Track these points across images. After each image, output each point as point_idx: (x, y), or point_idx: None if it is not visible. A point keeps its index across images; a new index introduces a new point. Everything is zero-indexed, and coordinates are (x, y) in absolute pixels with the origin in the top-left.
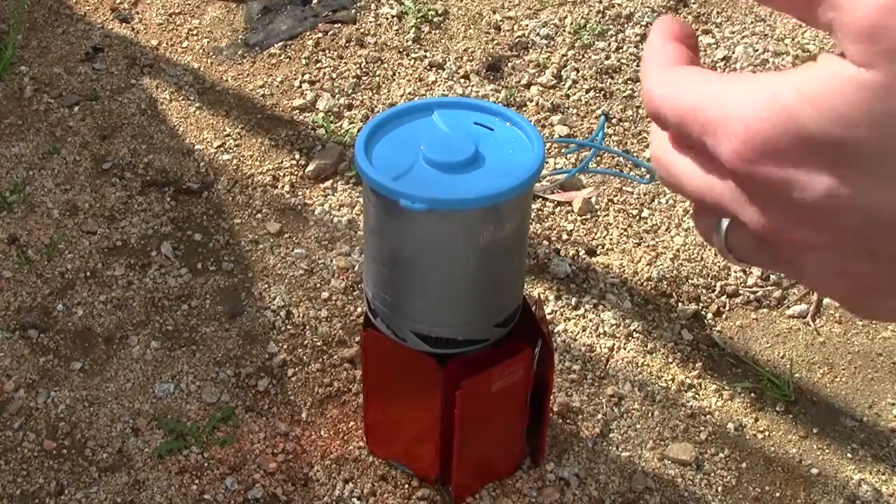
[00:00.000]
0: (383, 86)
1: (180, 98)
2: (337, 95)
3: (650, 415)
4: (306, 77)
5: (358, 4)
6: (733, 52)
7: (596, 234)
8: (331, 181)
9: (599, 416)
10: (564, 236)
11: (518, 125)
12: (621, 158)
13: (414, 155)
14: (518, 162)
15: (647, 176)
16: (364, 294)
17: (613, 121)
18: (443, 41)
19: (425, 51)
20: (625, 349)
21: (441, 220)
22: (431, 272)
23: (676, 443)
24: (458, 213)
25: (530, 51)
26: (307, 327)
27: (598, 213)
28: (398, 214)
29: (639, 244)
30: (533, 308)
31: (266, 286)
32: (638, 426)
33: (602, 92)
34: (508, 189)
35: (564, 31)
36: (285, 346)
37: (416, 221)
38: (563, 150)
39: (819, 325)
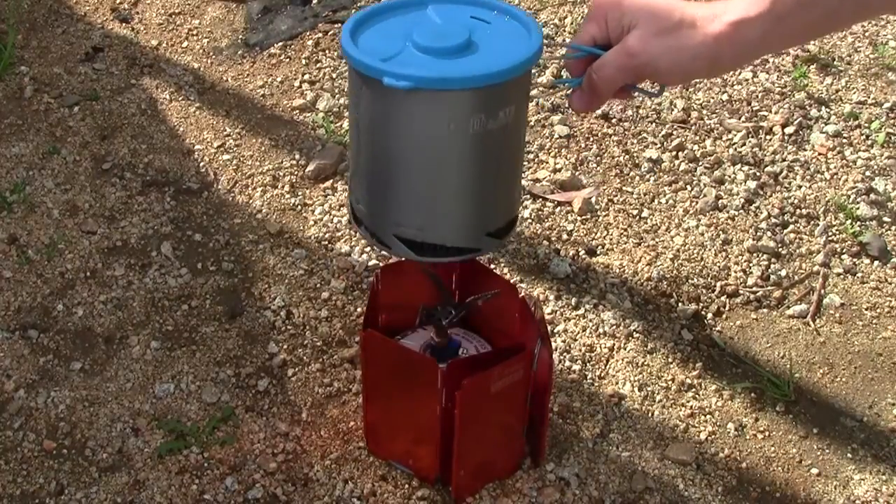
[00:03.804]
0: None
1: (180, 98)
2: (337, 95)
3: (650, 415)
4: (306, 77)
5: (358, 4)
6: None
7: (596, 234)
8: (331, 181)
9: (599, 416)
10: (564, 236)
11: (517, 18)
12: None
13: (403, 42)
14: (514, 48)
15: (657, 88)
16: (348, 200)
17: (613, 121)
18: None
19: None
20: (625, 349)
21: (427, 103)
22: (417, 165)
23: (676, 443)
24: (445, 95)
25: None
26: (307, 327)
27: (598, 213)
28: (382, 97)
29: (639, 244)
30: (532, 308)
31: (266, 286)
32: (638, 426)
33: None
34: (501, 71)
35: (564, 31)
36: (285, 346)
37: (400, 104)
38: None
39: (819, 325)
